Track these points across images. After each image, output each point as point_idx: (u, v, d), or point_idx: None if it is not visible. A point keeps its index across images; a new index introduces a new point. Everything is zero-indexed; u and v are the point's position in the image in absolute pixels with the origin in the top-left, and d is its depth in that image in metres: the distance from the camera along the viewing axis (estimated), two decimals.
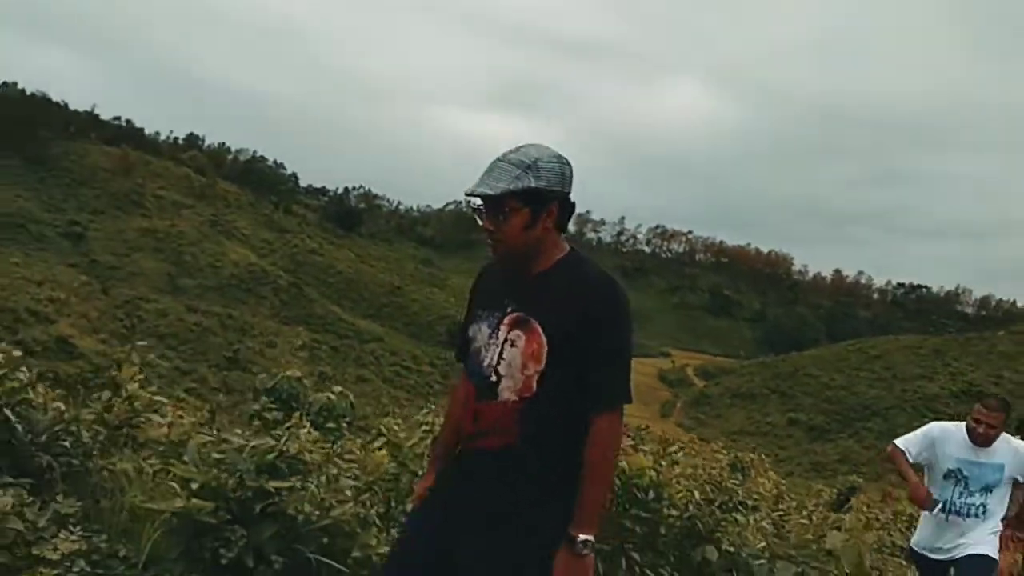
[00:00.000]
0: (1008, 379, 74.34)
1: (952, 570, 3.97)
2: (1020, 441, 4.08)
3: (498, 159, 1.94)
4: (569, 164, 1.99)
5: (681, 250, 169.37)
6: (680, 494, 4.46)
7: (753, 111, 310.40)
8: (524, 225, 1.94)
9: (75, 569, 2.39)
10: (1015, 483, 4.04)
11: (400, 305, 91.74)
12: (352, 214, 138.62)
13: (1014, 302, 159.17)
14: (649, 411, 78.42)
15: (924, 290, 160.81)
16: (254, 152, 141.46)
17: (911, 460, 4.09)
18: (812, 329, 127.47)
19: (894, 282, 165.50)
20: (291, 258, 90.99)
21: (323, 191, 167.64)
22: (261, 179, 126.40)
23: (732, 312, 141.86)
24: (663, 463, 4.80)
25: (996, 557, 3.99)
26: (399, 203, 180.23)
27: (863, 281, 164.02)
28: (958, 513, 3.95)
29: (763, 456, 10.60)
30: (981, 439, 3.93)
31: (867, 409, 76.48)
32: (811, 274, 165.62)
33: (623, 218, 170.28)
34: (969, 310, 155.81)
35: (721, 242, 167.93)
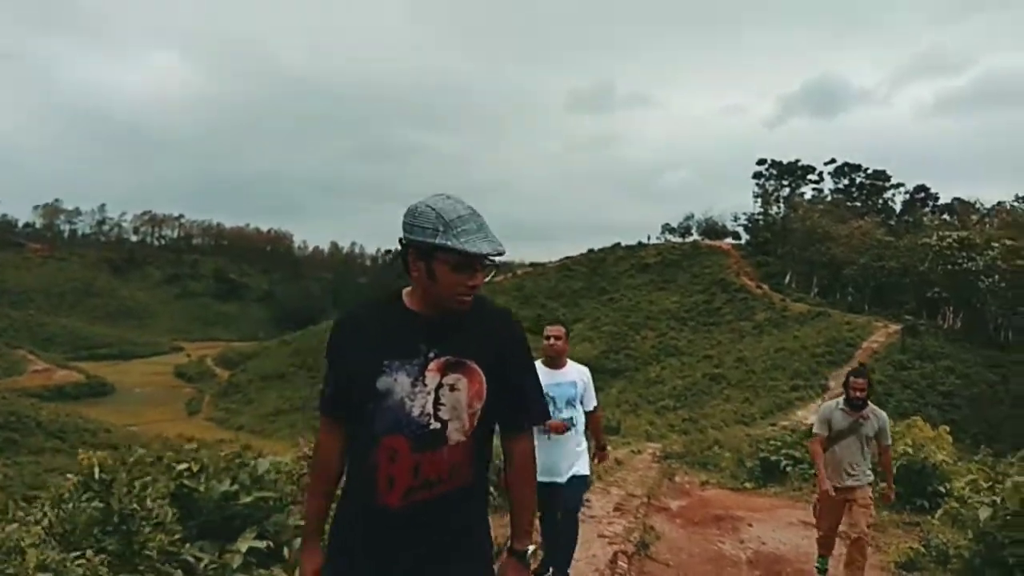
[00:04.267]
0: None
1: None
2: (582, 366, 4.85)
3: (476, 213, 1.88)
4: None
5: (176, 235, 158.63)
6: None
7: (234, 85, 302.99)
8: None
9: None
10: (587, 415, 4.80)
11: None
12: None
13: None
14: (173, 411, 72.31)
15: None
16: None
17: None
18: (319, 301, 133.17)
19: (382, 249, 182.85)
20: None
21: None
22: None
23: (240, 295, 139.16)
24: None
25: (588, 473, 4.83)
26: None
27: (357, 250, 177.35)
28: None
29: None
30: (552, 352, 4.71)
31: None
32: (311, 248, 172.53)
33: (103, 205, 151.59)
34: None
35: (219, 224, 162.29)
